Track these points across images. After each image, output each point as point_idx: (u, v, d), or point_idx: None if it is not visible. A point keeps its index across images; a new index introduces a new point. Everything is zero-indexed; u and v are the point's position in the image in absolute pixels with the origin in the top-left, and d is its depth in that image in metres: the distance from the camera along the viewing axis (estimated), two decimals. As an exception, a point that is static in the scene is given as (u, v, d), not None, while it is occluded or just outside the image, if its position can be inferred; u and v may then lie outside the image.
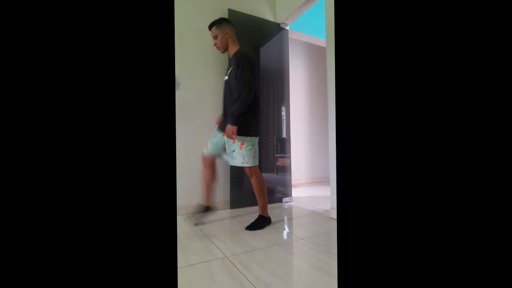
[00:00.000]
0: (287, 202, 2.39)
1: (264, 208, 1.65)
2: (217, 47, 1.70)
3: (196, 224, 1.67)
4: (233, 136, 1.54)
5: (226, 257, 1.15)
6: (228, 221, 1.67)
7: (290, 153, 2.50)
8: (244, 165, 1.59)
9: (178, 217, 1.87)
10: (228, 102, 1.65)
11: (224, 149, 1.70)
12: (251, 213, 1.87)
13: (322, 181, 3.84)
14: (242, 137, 1.57)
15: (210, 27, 1.68)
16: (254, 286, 0.90)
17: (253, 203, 2.14)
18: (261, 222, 1.61)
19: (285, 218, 1.86)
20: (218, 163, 1.83)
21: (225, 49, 1.70)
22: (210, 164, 1.72)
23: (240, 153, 1.58)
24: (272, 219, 1.76)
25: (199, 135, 2.03)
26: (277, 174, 2.43)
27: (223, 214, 1.95)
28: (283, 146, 2.49)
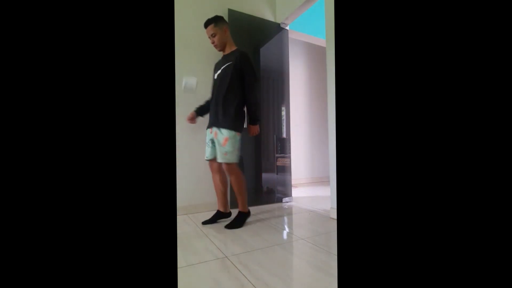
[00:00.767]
0: (287, 202, 2.39)
1: (244, 205, 1.67)
2: (214, 45, 1.68)
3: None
4: (257, 132, 1.67)
5: (226, 257, 1.15)
6: (228, 221, 1.67)
7: (290, 153, 2.50)
8: (225, 161, 1.56)
9: (178, 217, 1.87)
10: (218, 99, 1.62)
11: None
12: (251, 213, 1.87)
13: (322, 181, 3.84)
14: (228, 132, 1.56)
15: (206, 25, 1.64)
16: (254, 286, 0.90)
17: (253, 203, 2.15)
18: (241, 219, 1.64)
19: (285, 218, 1.86)
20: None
21: (223, 47, 1.69)
22: (217, 168, 1.69)
23: (223, 149, 1.57)
24: (272, 219, 1.76)
25: (199, 135, 2.03)
26: (277, 174, 2.43)
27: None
28: (283, 146, 2.49)
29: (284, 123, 2.51)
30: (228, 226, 1.58)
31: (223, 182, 1.72)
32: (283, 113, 2.51)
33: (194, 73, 2.05)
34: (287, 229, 1.59)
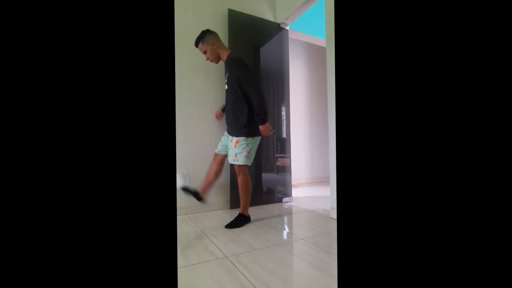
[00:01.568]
0: (287, 202, 2.39)
1: (245, 207, 1.70)
2: (210, 61, 1.72)
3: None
4: (270, 131, 1.65)
5: (226, 257, 1.15)
6: (228, 221, 1.67)
7: (290, 153, 2.50)
8: (235, 162, 1.64)
9: (178, 217, 1.87)
10: (228, 109, 1.71)
11: None
12: (251, 213, 1.87)
13: (322, 181, 3.84)
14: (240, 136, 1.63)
15: (196, 45, 1.69)
16: (254, 286, 0.90)
17: (253, 203, 2.14)
18: (241, 220, 1.66)
19: (285, 218, 1.86)
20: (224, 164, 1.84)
21: (218, 60, 1.72)
22: (219, 161, 1.78)
23: (233, 151, 1.64)
24: (272, 219, 1.77)
25: (199, 135, 2.03)
26: (277, 174, 2.43)
27: (223, 214, 1.95)
28: (283, 146, 2.49)
29: (284, 123, 2.51)
30: (228, 226, 1.60)
31: (216, 173, 1.77)
32: (283, 113, 2.51)
33: (194, 73, 2.05)
34: (287, 229, 1.59)
